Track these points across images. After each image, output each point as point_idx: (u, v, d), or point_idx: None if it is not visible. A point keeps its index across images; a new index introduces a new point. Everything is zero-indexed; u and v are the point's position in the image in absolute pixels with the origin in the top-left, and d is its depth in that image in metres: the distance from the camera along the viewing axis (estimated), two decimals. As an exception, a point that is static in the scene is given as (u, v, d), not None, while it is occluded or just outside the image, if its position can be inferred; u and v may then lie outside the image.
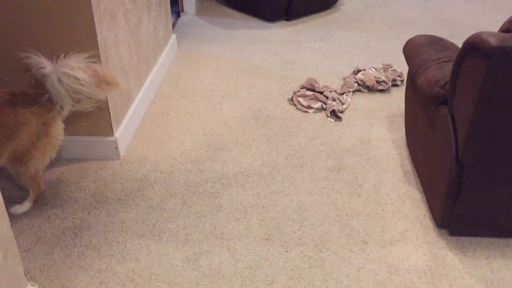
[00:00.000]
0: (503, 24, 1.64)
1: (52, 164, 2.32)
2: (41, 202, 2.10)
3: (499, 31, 1.62)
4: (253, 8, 4.12)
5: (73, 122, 2.29)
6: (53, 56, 2.11)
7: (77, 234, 1.95)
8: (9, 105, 1.83)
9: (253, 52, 3.50)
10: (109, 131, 2.32)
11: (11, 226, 1.49)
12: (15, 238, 1.92)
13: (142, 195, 2.15)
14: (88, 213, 2.05)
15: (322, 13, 4.27)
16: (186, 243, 1.90)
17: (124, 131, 2.42)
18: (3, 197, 2.10)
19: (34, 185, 2.01)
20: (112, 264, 1.82)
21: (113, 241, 1.92)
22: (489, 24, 4.05)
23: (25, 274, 1.66)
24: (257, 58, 3.42)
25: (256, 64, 3.33)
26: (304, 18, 4.15)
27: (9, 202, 2.09)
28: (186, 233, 1.95)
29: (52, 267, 1.81)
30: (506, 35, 1.53)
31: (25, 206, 2.05)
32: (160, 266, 1.81)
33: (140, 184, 2.22)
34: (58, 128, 1.97)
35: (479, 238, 1.93)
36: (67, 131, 2.31)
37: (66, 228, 1.98)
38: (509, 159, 1.68)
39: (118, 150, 2.35)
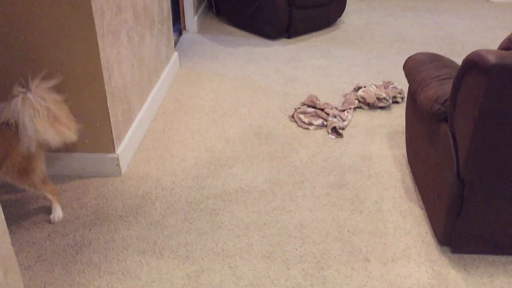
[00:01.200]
0: (503, 42, 1.65)
1: (53, 181, 2.33)
2: (42, 219, 2.10)
3: (498, 49, 1.64)
4: (254, 26, 4.16)
5: (75, 139, 2.30)
6: (53, 74, 2.13)
7: (77, 251, 1.94)
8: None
9: (254, 70, 3.53)
10: (111, 148, 2.32)
11: (12, 244, 1.49)
12: (16, 255, 1.91)
13: (143, 212, 2.15)
14: (89, 230, 2.05)
15: (323, 31, 4.31)
16: (187, 260, 1.90)
17: (125, 148, 2.42)
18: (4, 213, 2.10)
19: (49, 190, 2.07)
20: (113, 282, 1.80)
21: (113, 258, 1.91)
22: (488, 42, 4.08)
23: (25, 291, 1.65)
24: (258, 75, 3.44)
25: (257, 81, 3.35)
26: (305, 36, 4.19)
27: (11, 219, 2.09)
28: (187, 250, 1.94)
29: (52, 284, 1.80)
30: (506, 52, 1.54)
31: (58, 210, 2.10)
32: (160, 283, 1.80)
33: (141, 201, 2.21)
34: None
35: (481, 256, 1.92)
36: (69, 148, 2.32)
37: (67, 245, 1.97)
38: (510, 175, 1.68)
39: (119, 167, 2.36)
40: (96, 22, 2.05)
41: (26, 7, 2.00)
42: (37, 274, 1.84)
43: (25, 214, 2.13)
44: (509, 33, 4.02)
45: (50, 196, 2.08)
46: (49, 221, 2.07)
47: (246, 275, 1.83)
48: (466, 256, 1.92)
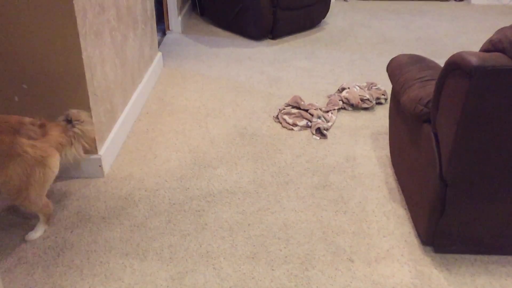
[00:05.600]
0: (484, 44, 1.67)
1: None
2: (22, 221, 2.06)
3: (480, 51, 1.66)
4: (238, 26, 4.15)
5: (57, 140, 2.27)
6: (36, 76, 2.10)
7: (59, 253, 1.91)
8: (11, 133, 1.79)
9: (238, 70, 3.52)
10: (93, 149, 2.29)
11: (-9, 246, 1.46)
12: (-5, 258, 1.88)
13: (126, 213, 2.13)
14: (71, 232, 2.02)
15: (307, 32, 4.32)
16: (170, 262, 1.88)
17: (108, 149, 2.40)
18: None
19: (42, 211, 1.96)
20: (95, 285, 1.78)
21: (96, 260, 1.89)
22: (470, 44, 4.14)
23: (4, 295, 1.62)
24: (243, 76, 3.44)
25: (241, 82, 3.34)
26: (289, 37, 4.20)
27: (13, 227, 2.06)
28: (171, 252, 1.93)
29: None
30: (487, 54, 1.56)
31: (40, 230, 1.99)
32: (144, 286, 1.78)
33: (124, 202, 2.19)
34: (55, 161, 1.91)
35: (463, 255, 1.94)
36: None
37: (48, 248, 1.94)
38: (492, 176, 1.70)
39: (102, 168, 2.33)
40: (78, 21, 2.02)
41: (6, 5, 1.97)
42: (17, 277, 1.81)
43: (4, 216, 2.09)
44: (490, 35, 4.08)
45: (41, 217, 1.98)
46: (23, 238, 1.98)
47: (230, 276, 1.82)
48: (448, 255, 1.94)
